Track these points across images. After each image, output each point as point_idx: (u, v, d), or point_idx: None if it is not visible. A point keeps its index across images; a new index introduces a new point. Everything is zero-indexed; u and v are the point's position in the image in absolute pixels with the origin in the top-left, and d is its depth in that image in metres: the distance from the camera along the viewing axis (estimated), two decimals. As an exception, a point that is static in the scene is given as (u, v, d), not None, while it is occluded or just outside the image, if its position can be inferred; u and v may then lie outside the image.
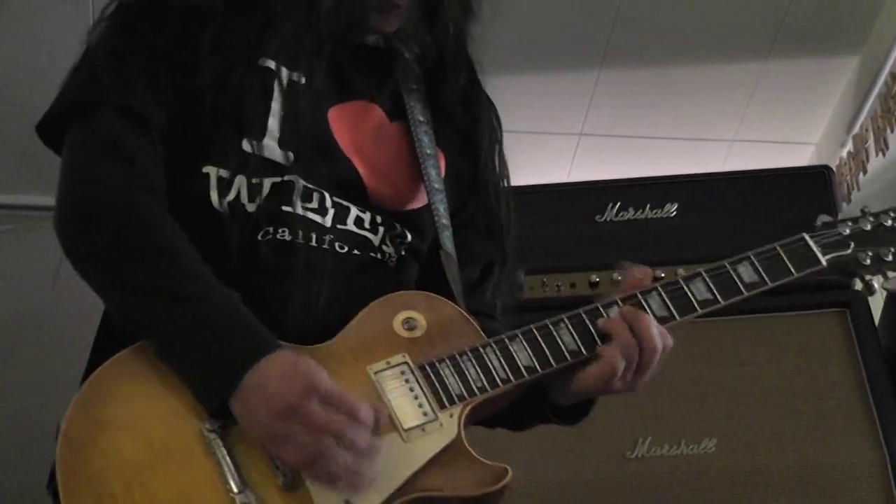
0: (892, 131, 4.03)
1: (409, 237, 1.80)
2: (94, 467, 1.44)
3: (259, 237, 1.66)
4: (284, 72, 1.74)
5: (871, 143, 4.20)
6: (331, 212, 1.73)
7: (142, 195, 1.60)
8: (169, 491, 1.44)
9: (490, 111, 1.99)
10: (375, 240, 1.76)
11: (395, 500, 1.48)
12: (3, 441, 4.89)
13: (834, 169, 3.30)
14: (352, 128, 1.80)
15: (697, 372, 2.80)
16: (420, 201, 1.83)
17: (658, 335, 1.64)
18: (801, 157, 4.70)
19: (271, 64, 1.73)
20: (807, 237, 1.79)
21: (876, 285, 1.82)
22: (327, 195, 1.73)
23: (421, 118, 1.88)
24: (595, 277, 2.90)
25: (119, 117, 1.64)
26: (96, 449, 1.45)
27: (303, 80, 1.75)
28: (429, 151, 1.86)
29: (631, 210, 3.03)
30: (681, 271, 2.90)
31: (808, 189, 3.03)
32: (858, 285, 1.89)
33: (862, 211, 1.87)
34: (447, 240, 1.83)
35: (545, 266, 2.93)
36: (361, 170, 1.77)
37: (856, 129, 4.36)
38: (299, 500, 1.46)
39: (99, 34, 1.72)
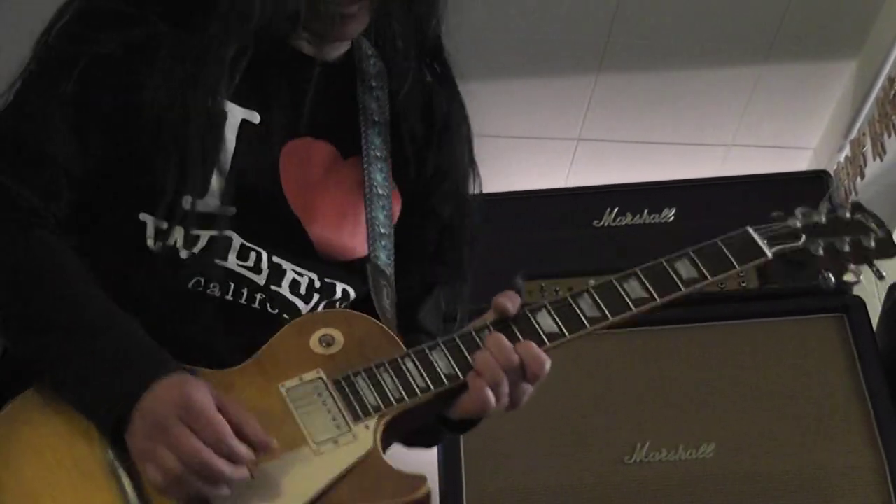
0: (889, 136, 4.03)
1: (352, 295, 1.77)
2: None
3: (189, 286, 1.63)
4: (237, 111, 1.69)
5: (868, 148, 4.21)
6: (266, 272, 1.69)
7: (30, 232, 1.57)
8: None
9: (463, 125, 1.91)
10: (305, 309, 1.72)
11: None
12: None
13: (832, 173, 3.30)
14: (302, 169, 1.74)
15: (696, 376, 2.80)
16: (361, 251, 1.78)
17: (526, 365, 1.57)
18: (798, 161, 4.70)
19: (223, 103, 1.67)
20: (750, 230, 1.74)
21: (832, 279, 1.74)
22: (265, 254, 1.69)
23: (378, 154, 1.81)
24: (593, 282, 2.89)
25: (27, 159, 1.60)
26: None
27: (256, 119, 1.71)
28: (381, 192, 1.80)
29: (629, 215, 3.03)
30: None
31: (806, 194, 3.02)
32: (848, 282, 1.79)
33: (816, 205, 1.80)
34: (381, 250, 1.78)
35: (543, 271, 2.93)
36: (306, 220, 1.72)
37: (853, 134, 4.37)
38: None
39: (37, 58, 1.68)
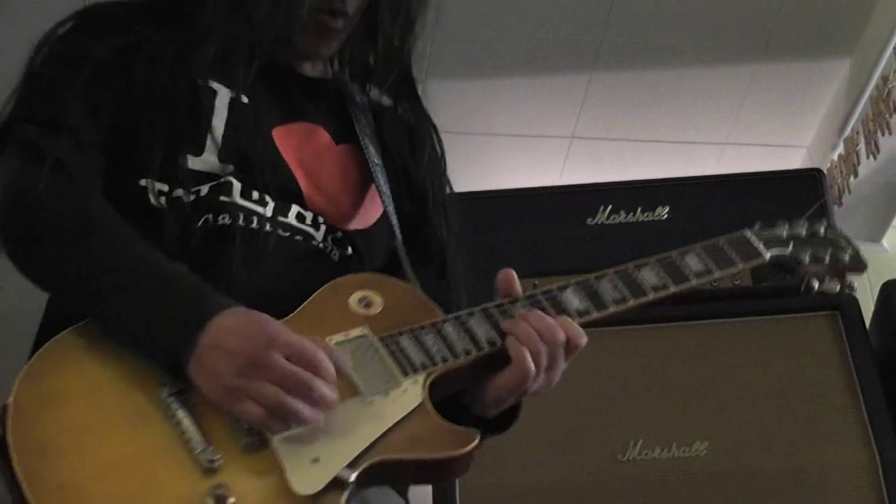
0: (882, 134, 4.04)
1: (349, 250, 1.80)
2: (46, 432, 1.39)
3: (198, 225, 1.66)
4: (225, 91, 1.75)
5: (861, 147, 4.21)
6: (271, 205, 1.73)
7: (71, 188, 1.60)
8: (125, 452, 1.40)
9: (432, 138, 1.99)
10: (317, 235, 1.76)
11: (363, 460, 1.44)
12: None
13: (825, 172, 3.31)
14: (297, 146, 1.81)
15: (689, 374, 2.80)
16: (362, 223, 1.83)
17: (560, 331, 1.62)
18: (792, 160, 4.70)
19: (212, 84, 1.75)
20: (748, 233, 1.85)
21: (815, 285, 1.87)
22: (267, 196, 1.73)
23: (377, 161, 1.89)
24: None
25: (48, 130, 1.65)
26: (47, 416, 1.41)
27: (244, 100, 1.77)
28: (377, 161, 1.87)
29: (622, 213, 3.03)
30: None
31: (800, 192, 3.03)
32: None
33: (794, 220, 1.93)
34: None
35: (536, 269, 2.92)
36: (303, 184, 1.77)
37: (847, 133, 4.37)
38: (265, 460, 1.42)
39: (39, 58, 1.75)
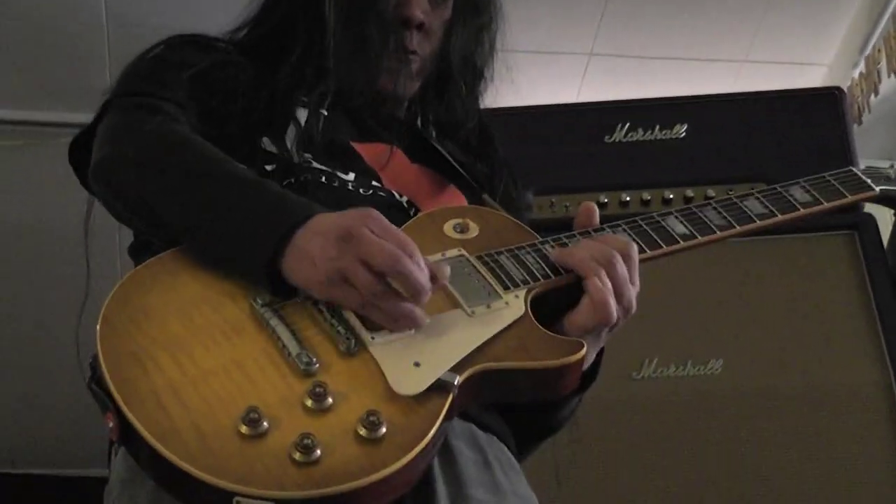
0: (904, 53, 4.00)
1: None
2: (138, 342, 1.38)
3: (282, 185, 1.63)
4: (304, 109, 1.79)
5: (883, 65, 4.17)
6: (352, 175, 1.74)
7: (175, 124, 1.63)
8: (219, 360, 1.38)
9: (506, 171, 2.03)
10: (401, 200, 1.77)
11: (467, 366, 1.41)
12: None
13: (845, 90, 3.28)
14: (373, 156, 1.82)
15: (705, 293, 2.81)
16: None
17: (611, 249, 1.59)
18: (812, 78, 4.66)
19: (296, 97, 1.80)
20: (854, 169, 1.85)
21: None
22: (349, 173, 1.75)
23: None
24: (604, 198, 2.90)
25: (157, 100, 1.67)
26: (139, 329, 1.40)
27: (324, 112, 1.80)
28: (459, 168, 1.90)
29: (640, 131, 3.02)
30: (689, 192, 2.93)
31: (819, 110, 3.01)
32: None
33: None
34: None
35: (553, 186, 2.93)
36: (382, 176, 1.79)
37: (868, 50, 4.33)
38: (364, 364, 1.40)
39: (132, 65, 1.79)
